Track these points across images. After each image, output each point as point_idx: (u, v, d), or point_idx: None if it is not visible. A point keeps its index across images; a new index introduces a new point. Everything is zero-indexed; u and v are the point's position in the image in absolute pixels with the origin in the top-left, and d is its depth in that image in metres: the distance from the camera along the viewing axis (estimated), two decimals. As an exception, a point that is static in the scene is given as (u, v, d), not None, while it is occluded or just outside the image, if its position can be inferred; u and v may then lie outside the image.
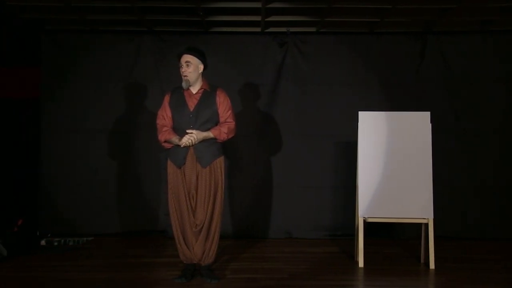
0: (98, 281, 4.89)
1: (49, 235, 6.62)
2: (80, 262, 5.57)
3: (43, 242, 6.42)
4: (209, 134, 4.79)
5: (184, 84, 4.80)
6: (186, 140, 4.71)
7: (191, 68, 4.79)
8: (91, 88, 6.92)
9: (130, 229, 6.91)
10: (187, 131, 4.74)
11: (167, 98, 4.94)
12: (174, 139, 4.79)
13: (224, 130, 4.83)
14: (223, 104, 4.87)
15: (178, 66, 4.89)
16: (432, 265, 5.38)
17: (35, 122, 7.01)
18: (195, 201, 4.83)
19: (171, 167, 4.88)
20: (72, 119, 6.91)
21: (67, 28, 6.93)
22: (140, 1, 6.09)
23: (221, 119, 4.87)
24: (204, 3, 6.13)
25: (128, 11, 6.38)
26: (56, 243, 6.43)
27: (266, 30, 6.97)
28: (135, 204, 6.91)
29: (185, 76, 4.79)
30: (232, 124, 4.88)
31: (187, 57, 4.81)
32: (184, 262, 4.95)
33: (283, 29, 6.89)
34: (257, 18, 6.54)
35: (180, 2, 6.17)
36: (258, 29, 6.94)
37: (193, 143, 4.72)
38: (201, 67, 4.85)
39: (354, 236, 5.78)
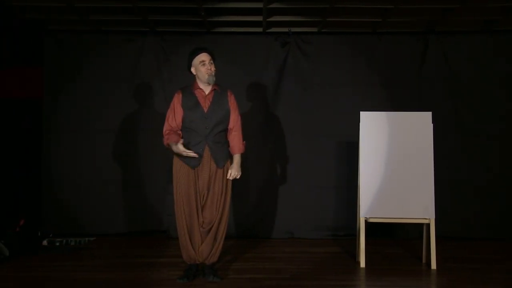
0: (99, 281, 4.89)
1: (51, 235, 6.61)
2: (81, 262, 5.58)
3: (45, 242, 6.40)
4: (239, 157, 4.95)
5: (211, 80, 4.82)
6: (233, 177, 4.92)
7: (214, 67, 4.85)
8: (93, 88, 6.93)
9: (132, 229, 6.92)
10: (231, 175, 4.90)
11: (177, 99, 4.87)
12: (174, 145, 4.73)
13: (241, 142, 4.96)
14: (235, 111, 4.93)
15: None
16: (433, 265, 5.37)
17: (36, 122, 7.02)
18: (204, 201, 4.85)
19: (183, 168, 4.84)
20: (74, 119, 6.92)
21: (70, 28, 6.93)
22: (143, 2, 6.09)
23: (231, 125, 4.92)
24: (206, 3, 6.13)
25: (131, 11, 6.38)
26: (58, 243, 6.41)
27: (268, 30, 6.97)
28: (138, 204, 6.92)
29: (211, 73, 4.81)
30: (240, 132, 4.98)
31: (210, 56, 4.86)
32: (188, 262, 4.95)
33: (285, 29, 6.89)
34: (259, 18, 6.54)
35: (182, 2, 6.18)
36: (260, 29, 6.94)
37: (240, 172, 4.95)
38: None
39: (356, 236, 5.78)
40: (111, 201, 6.90)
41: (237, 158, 4.93)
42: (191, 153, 4.71)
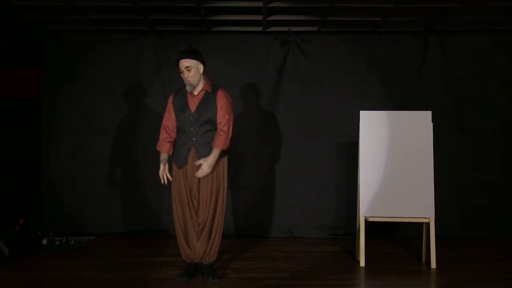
0: (99, 280, 4.89)
1: (50, 234, 6.63)
2: (81, 261, 5.58)
3: (44, 241, 6.42)
4: (216, 152, 4.77)
5: (188, 88, 4.83)
6: (201, 174, 4.74)
7: (192, 72, 4.77)
8: (93, 88, 6.93)
9: (132, 229, 6.93)
10: (196, 163, 4.75)
11: (170, 100, 4.96)
12: (162, 158, 4.89)
13: (222, 140, 4.79)
14: (221, 109, 4.82)
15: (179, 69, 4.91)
16: (433, 265, 5.37)
17: (36, 122, 7.02)
18: (197, 200, 4.85)
19: (175, 168, 4.91)
20: (74, 119, 6.93)
21: (70, 28, 6.94)
22: (143, 1, 6.09)
23: (218, 123, 4.83)
24: (206, 2, 6.13)
25: (131, 11, 6.39)
26: (57, 242, 6.43)
27: (268, 30, 6.97)
28: (137, 203, 6.92)
29: (188, 81, 4.79)
30: (227, 129, 4.82)
31: (185, 62, 4.77)
32: (186, 261, 4.95)
33: (285, 29, 6.89)
34: (259, 17, 6.54)
35: (182, 1, 6.18)
36: (259, 29, 6.94)
37: (209, 170, 4.73)
38: (201, 67, 4.83)
39: (356, 235, 5.78)
40: (111, 201, 6.90)
41: (213, 152, 4.75)
42: (163, 174, 4.84)
